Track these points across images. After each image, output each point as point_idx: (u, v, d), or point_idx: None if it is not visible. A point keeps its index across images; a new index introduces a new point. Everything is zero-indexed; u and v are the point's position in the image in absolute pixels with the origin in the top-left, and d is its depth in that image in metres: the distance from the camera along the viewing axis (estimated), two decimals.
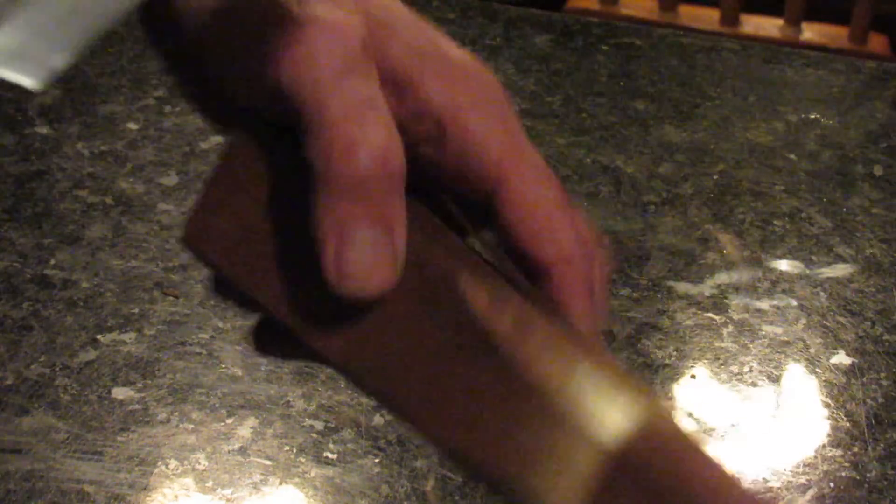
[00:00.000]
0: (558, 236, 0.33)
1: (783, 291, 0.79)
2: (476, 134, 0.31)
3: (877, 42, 1.59)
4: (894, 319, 0.77)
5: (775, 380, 0.73)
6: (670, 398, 0.71)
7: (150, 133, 0.92)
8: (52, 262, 0.79)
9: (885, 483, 0.66)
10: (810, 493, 0.66)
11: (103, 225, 0.83)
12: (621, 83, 1.01)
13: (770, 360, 0.74)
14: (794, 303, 0.78)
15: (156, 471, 0.65)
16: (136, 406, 0.69)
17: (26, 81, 0.25)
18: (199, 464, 0.66)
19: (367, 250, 0.29)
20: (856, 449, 0.68)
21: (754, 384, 0.73)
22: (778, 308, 0.78)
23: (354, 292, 0.29)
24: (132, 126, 0.93)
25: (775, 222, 0.86)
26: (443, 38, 0.32)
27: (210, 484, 0.65)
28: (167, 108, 0.95)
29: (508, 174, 0.32)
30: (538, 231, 0.32)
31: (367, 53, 0.30)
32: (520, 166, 0.32)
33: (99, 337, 0.74)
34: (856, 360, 0.74)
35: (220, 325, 0.75)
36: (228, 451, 0.67)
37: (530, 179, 0.32)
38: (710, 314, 0.77)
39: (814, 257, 0.82)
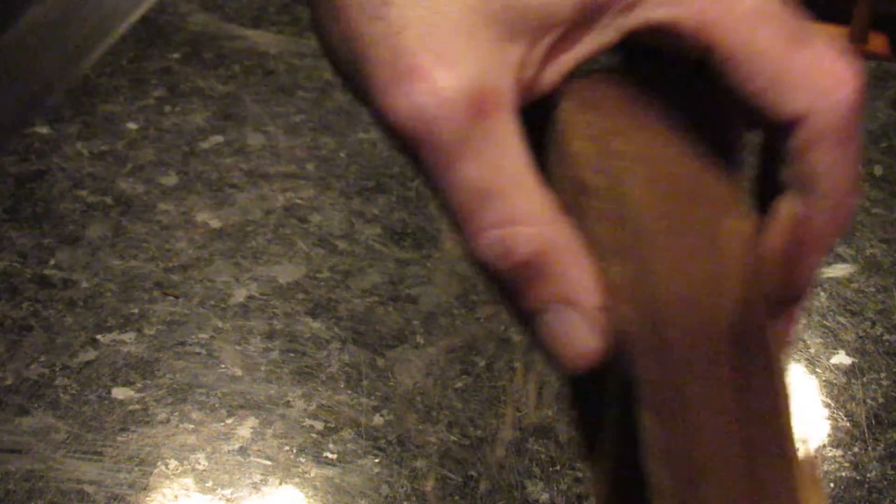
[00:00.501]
0: (791, 85, 0.27)
1: None
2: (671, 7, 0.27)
3: (877, 42, 1.59)
4: (894, 319, 0.77)
5: None
6: None
7: (150, 133, 0.92)
8: (52, 262, 0.79)
9: (885, 483, 0.66)
10: None
11: (103, 225, 0.83)
12: None
13: None
14: None
15: (156, 471, 0.65)
16: (136, 406, 0.69)
17: None
18: (199, 464, 0.66)
19: (550, 332, 0.27)
20: (856, 449, 0.68)
21: None
22: None
23: (562, 368, 0.28)
24: (132, 126, 0.93)
25: None
26: None
27: (210, 484, 0.65)
28: (167, 108, 0.95)
29: (717, 26, 0.27)
30: (764, 84, 0.27)
31: (481, 109, 0.26)
32: (729, 12, 0.27)
33: (99, 337, 0.74)
34: (856, 360, 0.74)
35: (220, 325, 0.75)
36: (228, 451, 0.67)
37: (746, 20, 0.27)
38: None
39: None
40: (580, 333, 0.27)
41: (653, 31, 0.28)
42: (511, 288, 0.27)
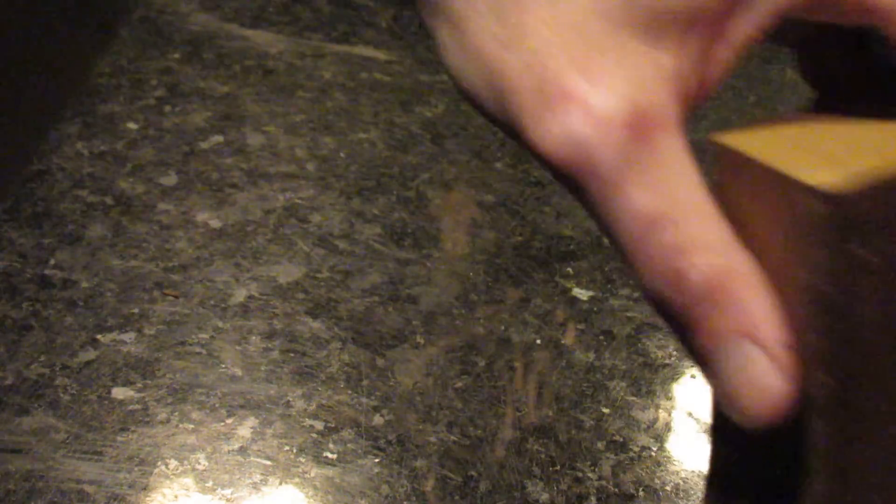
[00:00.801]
0: None
1: None
2: None
3: None
4: None
5: None
6: (670, 398, 0.71)
7: (150, 133, 0.92)
8: (52, 262, 0.79)
9: None
10: None
11: (103, 225, 0.83)
12: None
13: None
14: None
15: (156, 471, 0.65)
16: (136, 406, 0.69)
17: None
18: (199, 464, 0.66)
19: (729, 372, 0.24)
20: None
21: None
22: None
23: (744, 419, 0.24)
24: (132, 126, 0.93)
25: None
26: None
27: (210, 484, 0.65)
28: (167, 108, 0.95)
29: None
30: None
31: (642, 128, 0.24)
32: None
33: (99, 337, 0.74)
34: None
35: (220, 325, 0.75)
36: (228, 451, 0.67)
37: None
38: None
39: None
40: (763, 372, 0.24)
41: (809, 3, 0.25)
42: (685, 323, 0.24)
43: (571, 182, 0.24)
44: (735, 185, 0.26)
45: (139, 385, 0.71)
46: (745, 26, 0.26)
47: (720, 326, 0.24)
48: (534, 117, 0.24)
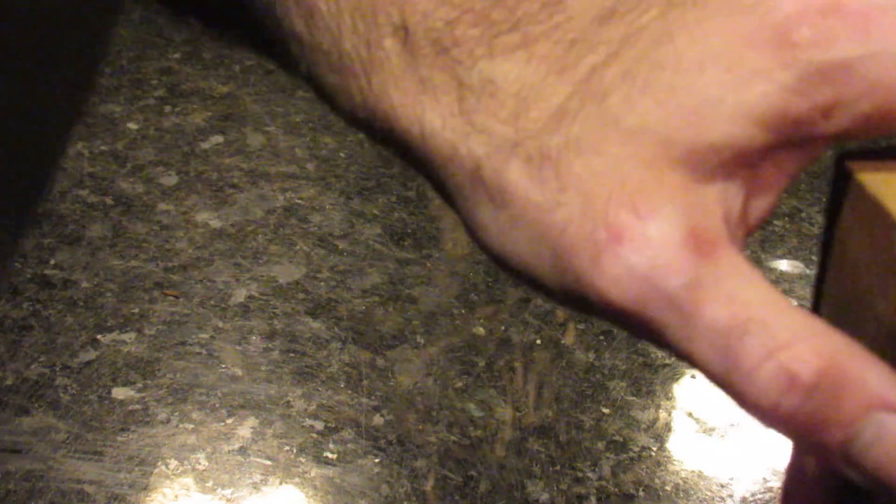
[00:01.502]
0: None
1: (783, 291, 0.79)
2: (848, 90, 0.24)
3: None
4: None
5: None
6: (670, 398, 0.71)
7: (150, 133, 0.92)
8: (52, 262, 0.79)
9: None
10: None
11: (103, 225, 0.83)
12: None
13: None
14: (795, 303, 0.78)
15: (156, 471, 0.65)
16: (136, 406, 0.69)
17: None
18: (199, 464, 0.66)
19: (878, 450, 0.23)
20: None
21: None
22: None
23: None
24: (132, 126, 0.93)
25: (775, 222, 0.86)
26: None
27: (210, 484, 0.65)
28: (167, 108, 0.95)
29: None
30: None
31: (701, 249, 0.24)
32: None
33: (99, 337, 0.74)
34: None
35: (220, 325, 0.75)
36: (228, 451, 0.67)
37: None
38: None
39: (814, 257, 0.82)
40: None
41: (864, 124, 0.25)
42: (813, 423, 0.23)
43: (646, 324, 0.24)
44: (863, 227, 0.25)
45: (139, 385, 0.71)
46: (798, 157, 0.26)
47: (853, 407, 0.23)
48: (592, 266, 0.24)
